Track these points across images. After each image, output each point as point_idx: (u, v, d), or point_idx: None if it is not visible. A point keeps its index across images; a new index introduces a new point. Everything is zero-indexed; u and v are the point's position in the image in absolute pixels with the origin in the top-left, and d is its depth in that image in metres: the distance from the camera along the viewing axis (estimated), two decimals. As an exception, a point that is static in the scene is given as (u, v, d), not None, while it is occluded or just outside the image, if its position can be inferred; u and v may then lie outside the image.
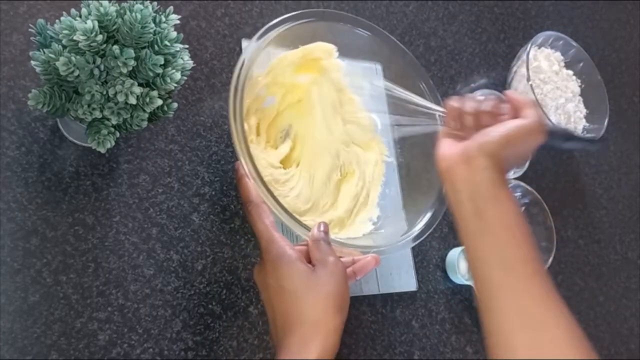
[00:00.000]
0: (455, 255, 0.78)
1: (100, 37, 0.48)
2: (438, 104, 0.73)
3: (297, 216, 0.61)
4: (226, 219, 0.67)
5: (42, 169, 0.59)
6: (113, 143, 0.52)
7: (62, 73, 0.48)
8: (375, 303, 0.73)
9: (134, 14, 0.48)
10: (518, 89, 0.91)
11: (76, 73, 0.48)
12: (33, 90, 0.50)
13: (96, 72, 0.49)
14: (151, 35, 0.50)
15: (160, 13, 0.51)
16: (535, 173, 0.93)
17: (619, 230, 1.01)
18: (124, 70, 0.49)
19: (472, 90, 0.90)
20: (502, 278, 0.50)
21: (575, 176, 1.00)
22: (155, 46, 0.51)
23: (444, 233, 0.81)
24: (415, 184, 0.75)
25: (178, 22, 0.52)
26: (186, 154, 0.67)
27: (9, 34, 0.61)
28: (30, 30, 0.51)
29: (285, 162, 0.71)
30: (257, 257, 0.67)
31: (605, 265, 0.96)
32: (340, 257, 0.57)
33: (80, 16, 0.49)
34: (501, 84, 0.96)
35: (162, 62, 0.50)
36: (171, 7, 0.52)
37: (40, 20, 0.51)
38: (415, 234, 0.67)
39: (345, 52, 0.73)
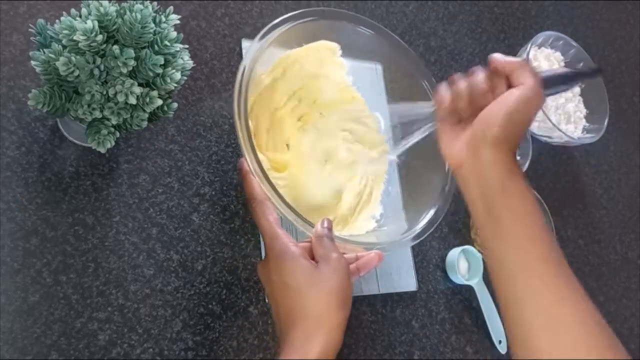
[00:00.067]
0: (455, 255, 0.78)
1: (100, 37, 0.48)
2: None
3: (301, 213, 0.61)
4: (226, 219, 0.67)
5: (42, 169, 0.59)
6: (113, 143, 0.52)
7: (62, 73, 0.48)
8: (375, 303, 0.73)
9: (134, 14, 0.48)
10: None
11: (76, 73, 0.48)
12: (33, 90, 0.50)
13: (96, 72, 0.49)
14: (151, 35, 0.50)
15: (160, 13, 0.51)
16: (535, 173, 0.93)
17: (619, 230, 1.01)
18: (124, 70, 0.49)
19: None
20: (521, 278, 0.48)
21: (575, 176, 1.00)
22: (155, 46, 0.51)
23: (444, 233, 0.81)
24: (415, 183, 0.75)
25: (178, 22, 0.52)
26: (186, 154, 0.67)
27: (9, 34, 0.61)
28: (30, 30, 0.51)
29: (284, 163, 0.71)
30: (257, 256, 0.67)
31: (605, 265, 0.96)
32: (344, 253, 0.57)
33: (80, 16, 0.49)
34: (501, 84, 0.96)
35: (162, 62, 0.50)
36: (171, 7, 0.52)
37: (40, 20, 0.51)
38: (418, 232, 0.67)
39: (347, 51, 0.73)
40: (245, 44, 0.74)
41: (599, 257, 0.96)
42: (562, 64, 0.99)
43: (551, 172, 0.96)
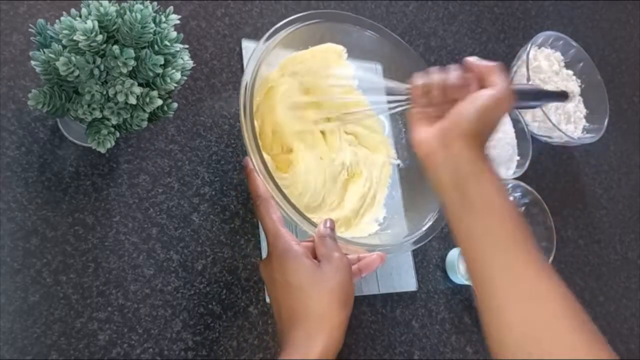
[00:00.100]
0: (455, 255, 0.78)
1: (100, 37, 0.48)
2: None
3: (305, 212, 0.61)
4: (226, 219, 0.67)
5: (42, 169, 0.59)
6: (113, 143, 0.52)
7: (62, 73, 0.48)
8: (375, 303, 0.73)
9: (134, 14, 0.48)
10: (518, 89, 0.91)
11: (76, 73, 0.48)
12: (33, 90, 0.50)
13: (96, 72, 0.49)
14: (151, 35, 0.50)
15: (160, 13, 0.51)
16: (535, 173, 0.93)
17: (619, 230, 1.01)
18: (124, 70, 0.49)
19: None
20: (492, 256, 0.49)
21: (575, 176, 1.00)
22: (155, 46, 0.51)
23: (444, 233, 0.81)
24: (416, 186, 0.75)
25: (178, 22, 0.52)
26: (186, 154, 0.67)
27: (9, 34, 0.61)
28: (30, 30, 0.51)
29: (288, 163, 0.71)
30: (257, 256, 0.67)
31: (605, 265, 0.96)
32: (346, 254, 0.57)
33: (80, 16, 0.49)
34: (501, 84, 0.96)
35: (162, 62, 0.50)
36: (171, 7, 0.52)
37: (40, 20, 0.51)
38: (420, 236, 0.67)
39: (350, 52, 0.73)
40: (245, 44, 0.74)
41: (599, 257, 0.96)
42: (562, 64, 0.99)
43: (551, 172, 0.96)
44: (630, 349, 0.93)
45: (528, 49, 0.90)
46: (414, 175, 0.76)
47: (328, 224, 0.58)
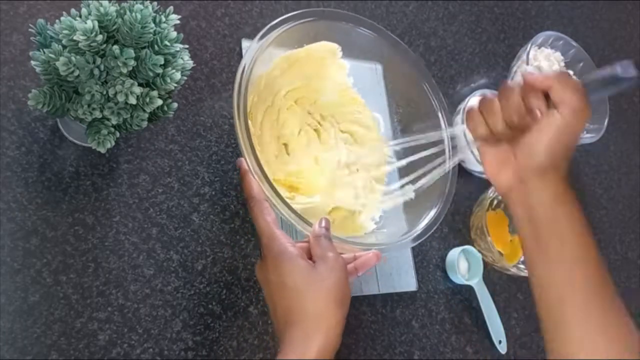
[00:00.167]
0: (455, 255, 0.78)
1: (100, 37, 0.48)
2: (441, 103, 0.73)
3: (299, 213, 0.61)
4: (226, 219, 0.67)
5: (42, 169, 0.59)
6: (113, 143, 0.52)
7: (62, 73, 0.48)
8: (375, 303, 0.73)
9: (134, 14, 0.48)
10: (518, 89, 0.91)
11: (76, 73, 0.48)
12: (33, 90, 0.50)
13: (96, 72, 0.49)
14: (151, 35, 0.50)
15: (160, 13, 0.51)
16: (535, 173, 0.93)
17: (619, 230, 1.01)
18: (124, 70, 0.49)
19: (472, 90, 0.90)
20: (565, 305, 0.48)
21: (575, 176, 1.00)
22: (155, 46, 0.51)
23: (444, 233, 0.81)
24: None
25: (178, 22, 0.52)
26: (186, 154, 0.67)
27: (9, 34, 0.61)
28: (30, 30, 0.51)
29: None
30: (257, 257, 0.67)
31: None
32: (342, 253, 0.57)
33: (80, 16, 0.49)
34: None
35: (162, 62, 0.50)
36: (171, 7, 0.52)
37: (40, 20, 0.51)
38: (417, 233, 0.67)
39: (347, 51, 0.73)
40: (245, 44, 0.74)
41: (599, 257, 0.96)
42: (562, 64, 0.99)
43: (551, 172, 0.96)
44: (630, 349, 0.93)
45: (528, 49, 0.90)
46: (411, 173, 0.76)
47: (323, 224, 0.58)
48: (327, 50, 0.72)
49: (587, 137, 0.94)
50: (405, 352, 0.73)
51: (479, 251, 0.80)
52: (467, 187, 0.85)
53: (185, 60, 0.53)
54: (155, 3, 0.51)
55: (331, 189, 0.72)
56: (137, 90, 0.50)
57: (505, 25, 1.02)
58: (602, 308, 0.48)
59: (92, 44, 0.48)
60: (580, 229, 0.50)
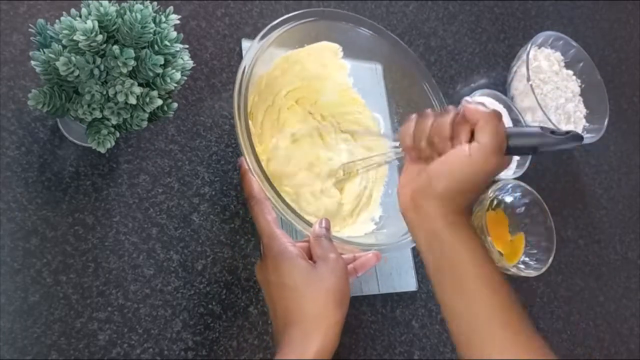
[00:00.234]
0: (455, 255, 0.78)
1: (100, 37, 0.48)
2: (441, 104, 0.74)
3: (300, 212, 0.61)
4: (226, 219, 0.67)
5: (42, 169, 0.59)
6: (113, 143, 0.52)
7: (62, 73, 0.48)
8: (375, 303, 0.73)
9: (134, 14, 0.48)
10: (518, 89, 0.91)
11: (76, 73, 0.48)
12: (33, 90, 0.50)
13: (96, 72, 0.49)
14: (151, 35, 0.50)
15: (160, 13, 0.51)
16: (535, 173, 0.93)
17: (619, 230, 1.01)
18: (124, 70, 0.49)
19: (472, 90, 0.90)
20: (477, 337, 0.48)
21: (575, 176, 1.00)
22: (155, 46, 0.51)
23: (444, 233, 0.81)
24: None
25: (178, 22, 0.52)
26: (186, 154, 0.67)
27: (9, 34, 0.61)
28: (30, 30, 0.51)
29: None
30: (257, 257, 0.67)
31: (605, 265, 0.96)
32: (342, 254, 0.57)
33: (80, 16, 0.49)
34: (501, 84, 0.96)
35: (162, 62, 0.50)
36: (171, 7, 0.52)
37: (40, 20, 0.51)
38: None
39: (347, 51, 0.73)
40: (245, 44, 0.74)
41: (599, 257, 0.96)
42: (562, 64, 0.99)
43: (551, 172, 0.96)
44: (630, 349, 0.93)
45: (528, 49, 0.90)
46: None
47: (323, 224, 0.58)
48: (327, 50, 0.72)
49: (587, 137, 0.94)
50: (405, 352, 0.73)
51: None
52: (467, 187, 0.85)
53: (185, 60, 0.53)
54: (155, 3, 0.51)
55: (330, 188, 0.72)
56: (137, 90, 0.50)
57: (505, 25, 1.02)
58: (512, 337, 0.47)
59: (92, 44, 0.48)
60: (484, 258, 0.49)
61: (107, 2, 0.49)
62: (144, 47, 0.51)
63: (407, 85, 0.76)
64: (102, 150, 0.51)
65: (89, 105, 0.50)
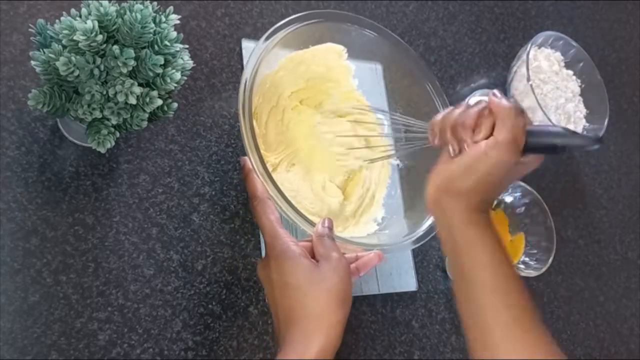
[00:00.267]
0: (455, 255, 0.78)
1: (100, 37, 0.48)
2: (444, 104, 0.74)
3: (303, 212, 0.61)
4: (226, 219, 0.67)
5: (42, 169, 0.59)
6: (113, 143, 0.52)
7: (62, 73, 0.48)
8: (375, 303, 0.73)
9: (134, 14, 0.48)
10: (518, 89, 0.91)
11: (76, 73, 0.48)
12: (33, 90, 0.50)
13: (96, 72, 0.49)
14: (151, 35, 0.50)
15: (160, 13, 0.51)
16: (535, 173, 0.92)
17: (619, 230, 1.01)
18: (124, 70, 0.49)
19: (472, 90, 0.90)
20: (495, 332, 0.48)
21: (575, 176, 1.00)
22: (155, 46, 0.51)
23: (444, 233, 0.81)
24: (416, 186, 0.75)
25: (178, 22, 0.52)
26: (186, 154, 0.67)
27: (9, 34, 0.61)
28: (30, 30, 0.51)
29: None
30: (257, 257, 0.67)
31: (605, 265, 0.96)
32: (344, 253, 0.57)
33: (80, 16, 0.49)
34: (501, 84, 0.96)
35: (162, 62, 0.50)
36: (171, 7, 0.52)
37: (40, 20, 0.51)
38: (418, 235, 0.67)
39: (350, 52, 0.73)
40: (245, 44, 0.74)
41: (599, 257, 0.96)
42: (562, 64, 0.99)
43: (551, 172, 0.96)
44: (630, 349, 0.93)
45: (528, 49, 0.90)
46: (413, 176, 0.76)
47: (326, 224, 0.58)
48: (332, 51, 0.72)
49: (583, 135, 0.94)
50: (405, 352, 0.73)
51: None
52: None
53: (185, 60, 0.53)
54: (155, 3, 0.51)
55: (332, 188, 0.72)
56: (137, 90, 0.50)
57: (505, 25, 1.02)
58: (525, 334, 0.47)
59: (92, 44, 0.48)
60: (498, 257, 0.49)
61: (107, 2, 0.49)
62: (144, 47, 0.51)
63: (407, 84, 0.76)
64: (102, 150, 0.51)
65: (89, 105, 0.50)
